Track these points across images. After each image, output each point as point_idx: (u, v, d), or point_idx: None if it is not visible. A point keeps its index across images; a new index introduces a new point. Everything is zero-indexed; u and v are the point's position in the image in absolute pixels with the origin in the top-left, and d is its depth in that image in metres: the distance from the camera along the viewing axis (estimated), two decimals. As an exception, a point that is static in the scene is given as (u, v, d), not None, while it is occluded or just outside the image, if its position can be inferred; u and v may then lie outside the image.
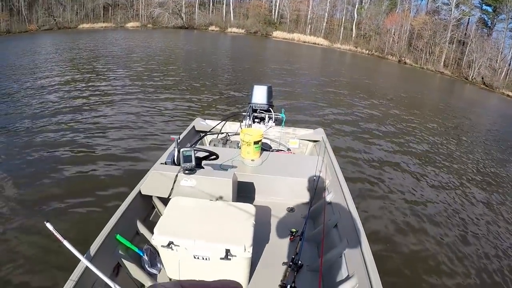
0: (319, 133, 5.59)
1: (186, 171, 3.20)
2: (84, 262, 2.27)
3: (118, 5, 48.90)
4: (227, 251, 2.41)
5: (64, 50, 23.22)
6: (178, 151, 3.30)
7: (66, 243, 2.26)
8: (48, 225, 2.25)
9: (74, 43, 27.34)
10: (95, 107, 10.34)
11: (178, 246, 2.46)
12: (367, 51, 45.33)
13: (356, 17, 48.95)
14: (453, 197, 7.08)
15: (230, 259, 2.43)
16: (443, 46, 39.05)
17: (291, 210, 3.90)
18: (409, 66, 39.92)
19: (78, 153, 7.09)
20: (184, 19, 51.76)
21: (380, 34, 45.20)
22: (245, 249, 2.40)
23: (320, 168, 4.13)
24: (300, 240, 3.05)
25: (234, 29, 51.42)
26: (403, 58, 41.31)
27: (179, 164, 3.26)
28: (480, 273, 4.82)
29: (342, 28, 49.62)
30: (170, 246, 2.45)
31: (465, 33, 39.75)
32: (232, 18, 53.28)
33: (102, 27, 45.19)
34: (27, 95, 11.34)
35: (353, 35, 48.50)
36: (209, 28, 51.84)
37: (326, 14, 50.95)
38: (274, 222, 3.63)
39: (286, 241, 3.32)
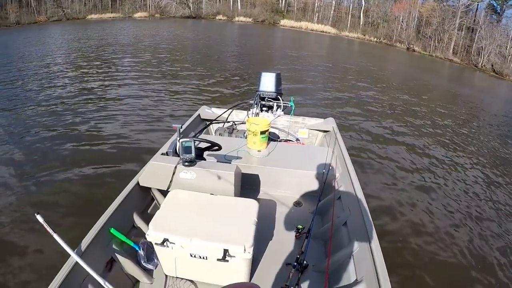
0: (330, 123, 5.37)
1: (186, 163, 3.06)
2: (73, 257, 2.19)
3: (126, -5, 48.93)
4: (226, 251, 2.29)
5: (73, 40, 23.53)
6: (179, 141, 3.15)
7: (56, 236, 2.21)
8: (39, 217, 2.22)
9: (82, 33, 27.63)
10: (102, 94, 10.64)
11: (174, 243, 2.35)
12: (375, 39, 44.95)
13: (364, 4, 48.50)
14: (468, 185, 7.08)
15: (228, 260, 2.31)
16: (452, 33, 38.62)
17: (298, 204, 3.76)
18: (418, 53, 39.53)
19: (81, 139, 7.33)
20: (191, 8, 51.67)
21: (388, 21, 44.76)
22: (245, 250, 2.27)
23: (330, 160, 3.95)
24: (306, 237, 2.90)
25: (242, 18, 51.24)
26: (411, 46, 40.93)
27: (179, 155, 3.13)
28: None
29: (349, 16, 49.22)
30: (165, 243, 2.37)
31: (474, 20, 39.28)
32: (239, 7, 53.06)
33: (110, 17, 45.32)
34: (36, 82, 11.70)
35: (361, 23, 48.08)
36: (217, 17, 51.72)
37: (334, 2, 50.56)
38: (279, 218, 3.49)
39: (291, 238, 3.17)
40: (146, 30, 31.53)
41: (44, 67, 14.26)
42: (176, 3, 50.46)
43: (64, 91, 10.71)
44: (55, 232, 2.20)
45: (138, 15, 48.36)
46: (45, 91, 10.61)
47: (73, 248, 2.24)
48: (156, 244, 2.38)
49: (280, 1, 52.82)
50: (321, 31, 48.63)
